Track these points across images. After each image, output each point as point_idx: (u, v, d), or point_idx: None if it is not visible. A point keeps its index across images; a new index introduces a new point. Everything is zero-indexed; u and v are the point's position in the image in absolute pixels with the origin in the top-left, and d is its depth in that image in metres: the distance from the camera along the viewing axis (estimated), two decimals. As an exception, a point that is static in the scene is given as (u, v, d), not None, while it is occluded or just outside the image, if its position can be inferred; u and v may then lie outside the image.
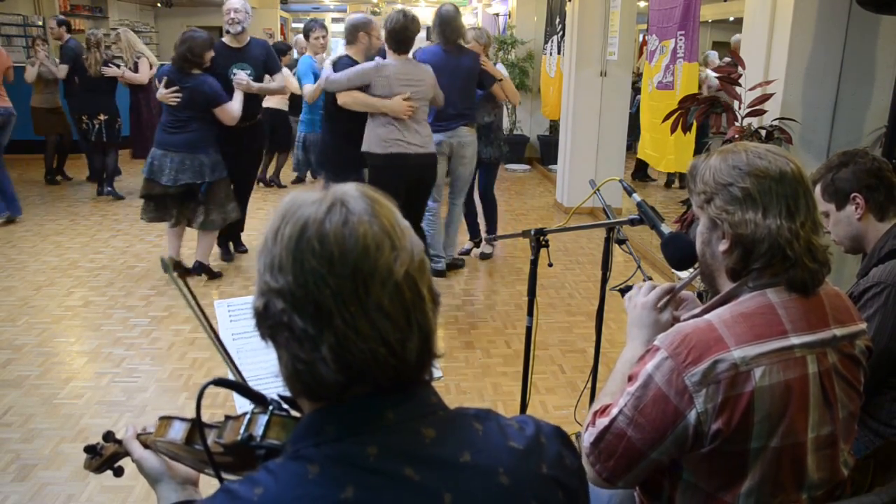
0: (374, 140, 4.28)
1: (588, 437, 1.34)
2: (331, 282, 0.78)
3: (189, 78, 4.66)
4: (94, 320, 4.35)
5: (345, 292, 0.78)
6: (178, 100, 4.64)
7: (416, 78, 4.31)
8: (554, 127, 9.47)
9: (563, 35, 7.64)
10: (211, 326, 1.11)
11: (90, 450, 1.30)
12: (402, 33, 4.23)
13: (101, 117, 7.28)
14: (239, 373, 1.12)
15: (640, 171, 8.92)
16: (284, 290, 0.79)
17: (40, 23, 10.55)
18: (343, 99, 4.22)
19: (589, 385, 2.62)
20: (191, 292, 1.09)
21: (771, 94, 3.55)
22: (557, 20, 8.04)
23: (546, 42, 8.83)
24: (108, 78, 7.20)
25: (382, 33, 4.52)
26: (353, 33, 4.47)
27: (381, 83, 4.20)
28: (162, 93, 4.67)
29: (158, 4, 14.12)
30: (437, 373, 0.92)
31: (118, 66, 7.28)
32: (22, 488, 2.72)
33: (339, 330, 0.78)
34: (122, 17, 13.38)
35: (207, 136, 4.78)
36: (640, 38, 9.03)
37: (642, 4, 7.90)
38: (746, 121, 3.64)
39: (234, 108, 4.78)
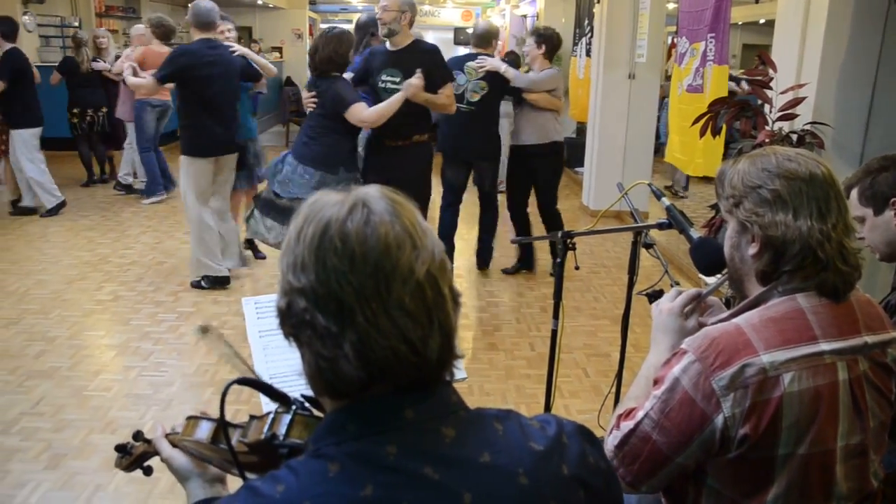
0: (553, 131, 5.13)
1: (612, 441, 1.33)
2: (353, 280, 0.79)
3: (325, 81, 4.16)
4: (123, 315, 4.42)
5: (366, 290, 0.79)
6: (314, 106, 4.18)
7: None
8: (581, 129, 9.42)
9: (591, 37, 7.61)
10: (251, 370, 1.13)
11: (120, 449, 1.32)
12: (558, 44, 5.19)
13: (104, 110, 7.68)
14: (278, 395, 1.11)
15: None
16: (307, 289, 0.81)
17: (77, 24, 10.72)
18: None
19: (613, 390, 2.61)
20: (230, 347, 1.11)
21: (803, 98, 3.51)
22: (586, 22, 8.01)
23: (575, 44, 8.79)
24: (99, 73, 7.53)
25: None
26: (488, 39, 5.09)
27: (560, 86, 5.16)
28: (304, 97, 4.26)
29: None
30: (461, 374, 0.92)
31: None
32: (53, 476, 2.77)
33: (360, 327, 0.79)
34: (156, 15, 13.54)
35: (341, 150, 4.24)
36: (669, 41, 8.95)
37: (671, 6, 7.84)
38: (777, 125, 3.59)
39: (367, 111, 4.07)
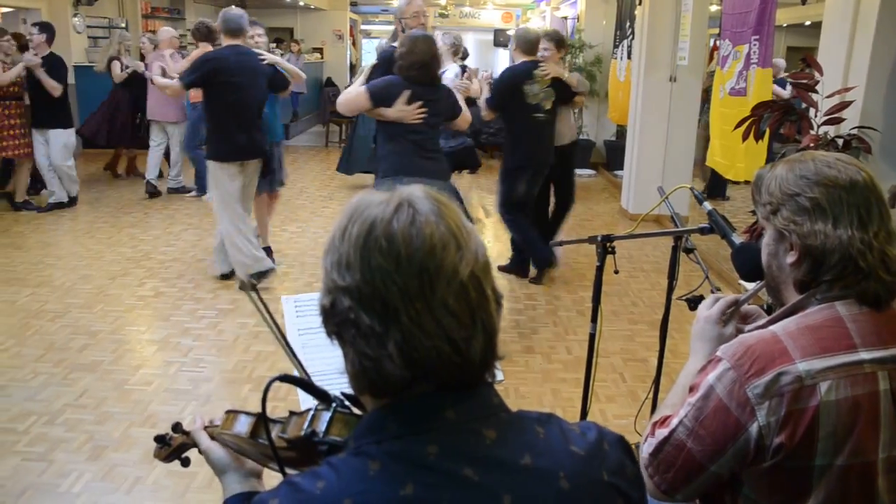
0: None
1: (647, 448, 1.32)
2: (398, 280, 0.79)
3: (435, 90, 3.85)
4: (164, 310, 4.50)
5: (411, 290, 0.79)
6: (426, 117, 3.79)
7: None
8: (621, 132, 9.34)
9: (632, 39, 7.54)
10: (285, 339, 1.12)
11: (160, 439, 1.34)
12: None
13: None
14: (307, 374, 1.12)
15: (717, 189, 8.06)
16: (351, 288, 0.81)
17: (123, 25, 10.97)
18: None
19: (651, 395, 2.58)
20: (267, 310, 1.11)
21: (850, 102, 3.43)
22: (627, 24, 7.94)
23: (616, 46, 8.72)
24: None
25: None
26: (536, 45, 4.99)
27: None
28: (406, 110, 3.75)
29: (233, 7, 14.51)
30: (499, 375, 0.92)
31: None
32: (94, 467, 2.84)
33: (405, 327, 0.79)
34: (199, 19, 13.79)
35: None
36: (712, 43, 8.82)
37: (714, 8, 7.72)
38: (822, 129, 3.52)
39: (469, 112, 4.16)
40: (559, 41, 5.15)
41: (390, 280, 0.79)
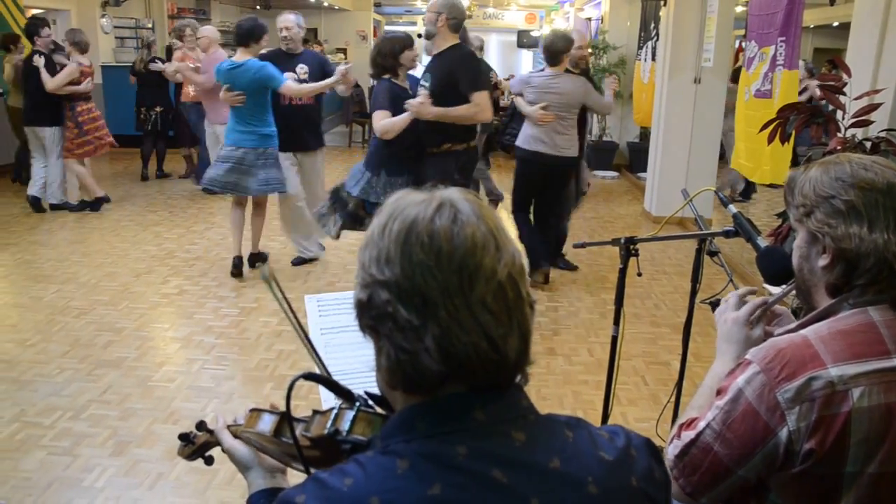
0: (523, 137, 5.01)
1: (672, 450, 1.31)
2: (438, 275, 0.80)
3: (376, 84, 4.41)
4: (187, 308, 4.54)
5: (451, 286, 0.80)
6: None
7: (562, 90, 4.87)
8: (644, 134, 9.28)
9: (657, 40, 7.49)
10: (305, 332, 1.12)
11: (184, 437, 1.34)
12: (550, 48, 4.90)
13: (157, 109, 8.02)
14: (327, 372, 1.12)
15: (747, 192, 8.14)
16: (391, 282, 0.81)
17: (150, 25, 11.09)
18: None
19: (673, 399, 2.56)
20: (288, 304, 1.11)
21: (879, 104, 3.38)
22: (652, 25, 7.89)
23: (640, 48, 8.67)
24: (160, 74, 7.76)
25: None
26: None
27: (528, 91, 4.92)
28: None
29: (258, 7, 14.63)
30: None
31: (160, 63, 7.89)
32: (118, 462, 2.88)
33: (443, 322, 0.80)
34: (224, 19, 13.93)
35: (381, 153, 4.27)
36: (737, 45, 8.74)
37: (740, 9, 7.64)
38: (850, 132, 3.47)
39: (378, 122, 4.15)
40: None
41: (430, 275, 0.80)
